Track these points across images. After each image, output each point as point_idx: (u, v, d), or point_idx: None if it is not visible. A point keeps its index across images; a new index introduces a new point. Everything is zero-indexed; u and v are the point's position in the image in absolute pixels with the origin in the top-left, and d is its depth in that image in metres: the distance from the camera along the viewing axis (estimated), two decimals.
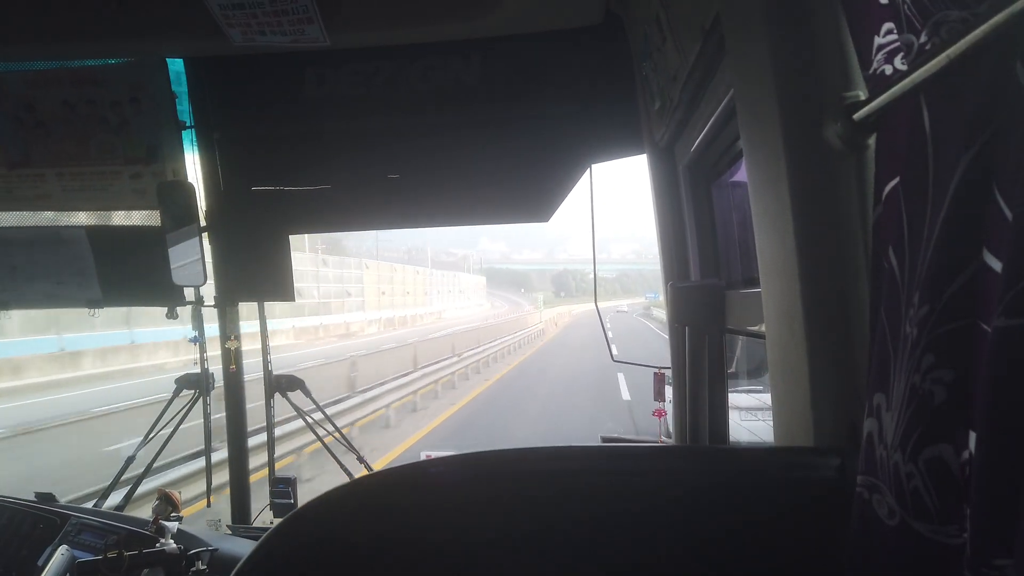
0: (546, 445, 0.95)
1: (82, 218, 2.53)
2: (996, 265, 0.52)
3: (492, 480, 0.90)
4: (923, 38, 0.65)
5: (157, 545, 1.92)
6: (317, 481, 7.71)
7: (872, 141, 0.83)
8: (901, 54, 0.74)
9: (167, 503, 2.09)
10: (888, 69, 0.75)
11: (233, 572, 0.84)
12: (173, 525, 1.96)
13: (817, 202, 0.90)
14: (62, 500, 2.36)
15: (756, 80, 1.00)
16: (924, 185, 0.61)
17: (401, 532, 0.88)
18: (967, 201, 0.56)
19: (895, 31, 0.74)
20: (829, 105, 0.84)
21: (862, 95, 0.82)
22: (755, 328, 1.61)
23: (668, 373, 2.30)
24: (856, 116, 0.80)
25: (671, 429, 2.12)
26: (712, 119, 1.49)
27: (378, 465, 2.55)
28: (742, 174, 1.89)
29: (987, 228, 0.53)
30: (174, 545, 1.91)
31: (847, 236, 0.88)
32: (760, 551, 0.84)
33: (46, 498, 2.32)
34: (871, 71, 0.76)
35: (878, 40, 0.75)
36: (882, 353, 0.68)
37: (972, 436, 0.55)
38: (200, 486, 3.05)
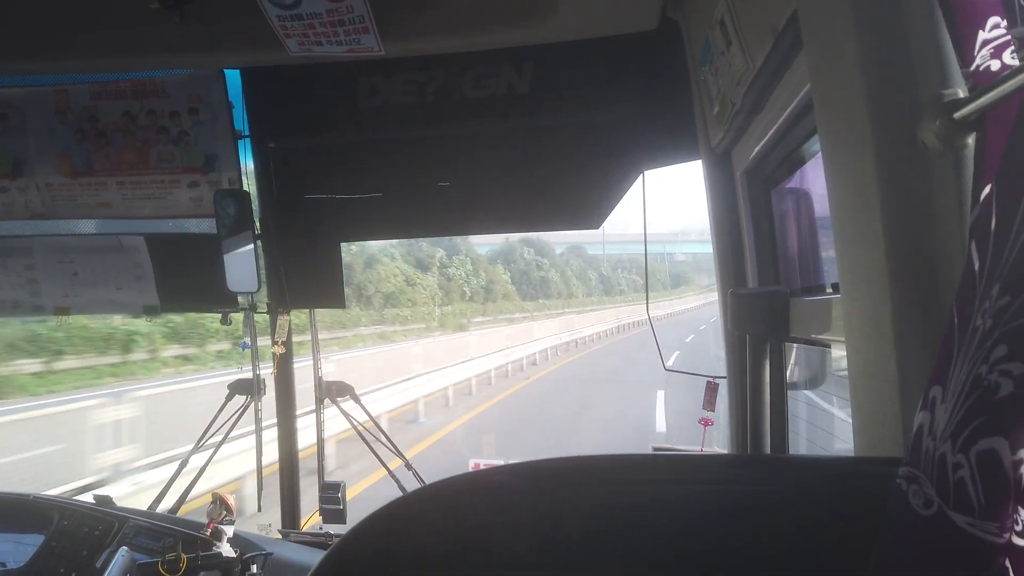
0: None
1: (140, 225, 2.60)
2: None
3: (555, 489, 0.89)
4: None
5: (213, 548, 1.95)
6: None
7: (971, 140, 0.79)
8: (1011, 48, 0.71)
9: (222, 507, 2.12)
10: (995, 64, 0.72)
11: None
12: (229, 529, 1.98)
13: (910, 204, 0.86)
14: None
15: (840, 77, 0.97)
16: (1021, 180, 0.58)
17: (470, 542, 0.86)
18: None
19: (1003, 25, 0.71)
20: (925, 102, 0.81)
21: (960, 92, 0.79)
22: (820, 336, 1.56)
23: (721, 383, 2.25)
24: (957, 115, 0.76)
25: (727, 440, 2.07)
26: (778, 123, 1.45)
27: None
28: (805, 181, 1.85)
29: None
30: (231, 549, 1.94)
31: (941, 240, 0.84)
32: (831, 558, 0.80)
33: (104, 501, 2.37)
34: (974, 67, 0.73)
35: (983, 35, 0.72)
36: (947, 347, 0.65)
37: None
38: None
